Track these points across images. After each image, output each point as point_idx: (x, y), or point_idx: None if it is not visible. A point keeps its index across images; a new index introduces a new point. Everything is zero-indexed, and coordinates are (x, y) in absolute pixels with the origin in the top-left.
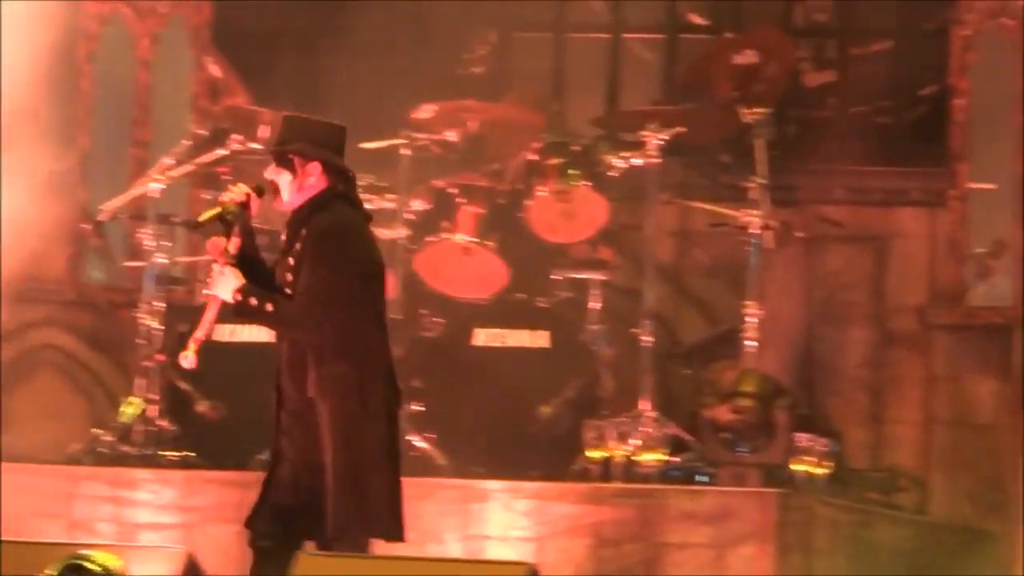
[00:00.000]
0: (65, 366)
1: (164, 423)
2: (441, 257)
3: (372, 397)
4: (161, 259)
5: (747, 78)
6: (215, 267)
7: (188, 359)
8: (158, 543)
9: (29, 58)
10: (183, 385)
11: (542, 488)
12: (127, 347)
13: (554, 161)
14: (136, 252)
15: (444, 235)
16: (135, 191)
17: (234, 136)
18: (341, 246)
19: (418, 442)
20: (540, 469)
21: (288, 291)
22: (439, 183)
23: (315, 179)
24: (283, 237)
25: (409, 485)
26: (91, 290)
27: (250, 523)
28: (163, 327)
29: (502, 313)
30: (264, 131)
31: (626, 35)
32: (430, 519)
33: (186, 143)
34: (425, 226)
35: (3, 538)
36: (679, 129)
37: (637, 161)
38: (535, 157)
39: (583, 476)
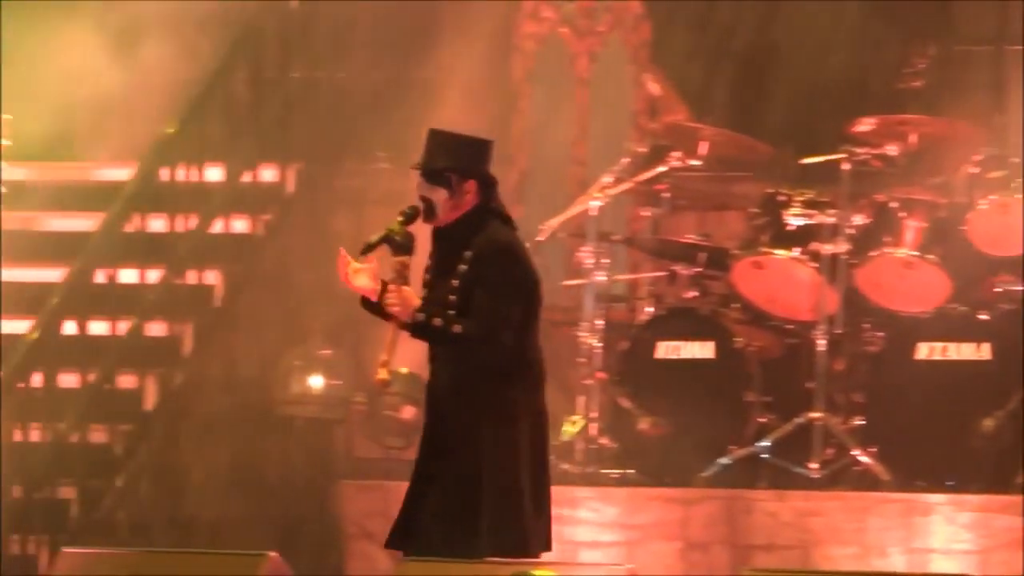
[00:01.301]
0: None
1: (605, 441)
2: (883, 271)
3: (527, 416)
4: (601, 277)
5: None
6: (390, 288)
7: (382, 378)
8: (600, 561)
9: (465, 80)
10: (624, 403)
11: (985, 501)
12: (567, 365)
13: (996, 174)
14: (576, 270)
15: (886, 249)
16: (574, 209)
17: (673, 153)
18: (513, 267)
19: (861, 456)
20: (983, 482)
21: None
22: (880, 197)
23: (470, 195)
24: (432, 254)
25: (852, 499)
26: None
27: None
28: (603, 345)
29: (944, 326)
30: (704, 147)
31: None
32: (874, 533)
33: (625, 161)
34: (866, 240)
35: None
36: None
37: None
38: (976, 170)
39: None
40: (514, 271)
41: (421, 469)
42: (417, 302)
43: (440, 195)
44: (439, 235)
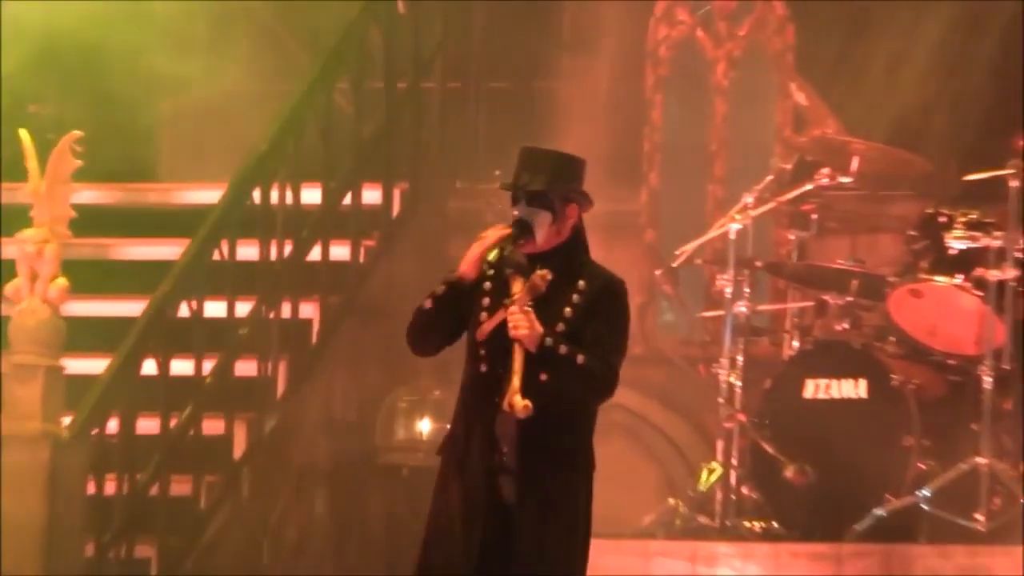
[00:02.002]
0: (635, 428)
1: (746, 490)
2: None
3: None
4: (741, 308)
5: None
6: (514, 309)
7: (527, 404)
8: None
9: (592, 91)
10: (768, 448)
11: None
12: (705, 407)
13: None
14: (714, 300)
15: None
16: (712, 233)
17: (822, 170)
18: (627, 305)
19: None
20: None
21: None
22: None
23: (571, 221)
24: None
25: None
26: (664, 343)
27: None
28: (744, 383)
29: None
30: (855, 163)
31: None
32: None
33: (768, 178)
34: None
35: None
36: None
37: None
38: None
39: None
40: (628, 309)
41: (500, 513)
42: (541, 328)
43: (544, 219)
44: (533, 260)
